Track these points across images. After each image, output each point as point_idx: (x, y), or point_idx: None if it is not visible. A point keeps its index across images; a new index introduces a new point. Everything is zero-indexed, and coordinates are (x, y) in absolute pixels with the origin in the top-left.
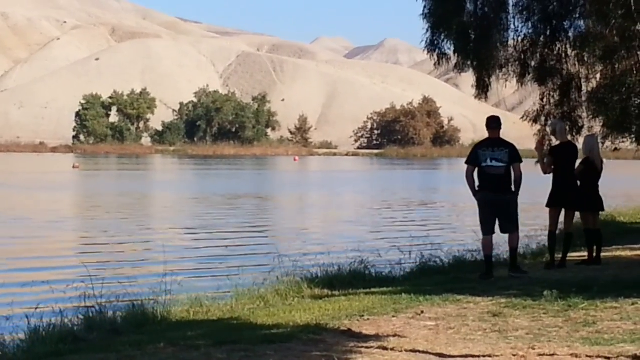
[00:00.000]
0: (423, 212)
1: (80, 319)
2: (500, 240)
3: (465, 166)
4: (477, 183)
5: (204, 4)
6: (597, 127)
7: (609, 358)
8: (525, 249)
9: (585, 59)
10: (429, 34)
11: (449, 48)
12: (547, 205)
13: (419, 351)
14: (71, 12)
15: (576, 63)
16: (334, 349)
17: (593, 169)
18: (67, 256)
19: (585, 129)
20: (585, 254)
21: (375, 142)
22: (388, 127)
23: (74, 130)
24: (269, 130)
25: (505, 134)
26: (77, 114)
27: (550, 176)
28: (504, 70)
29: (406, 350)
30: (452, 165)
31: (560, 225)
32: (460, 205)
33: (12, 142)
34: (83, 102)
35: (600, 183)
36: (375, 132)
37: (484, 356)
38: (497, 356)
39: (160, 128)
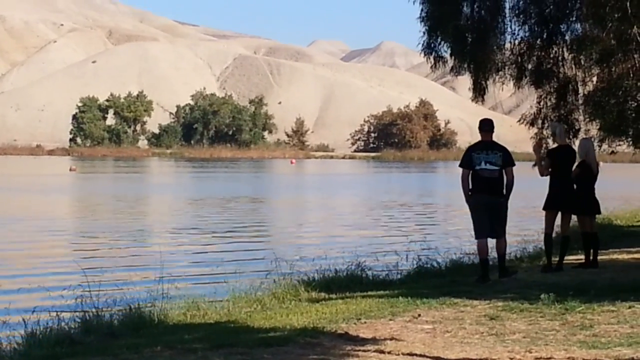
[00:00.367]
0: (420, 215)
1: (77, 323)
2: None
3: (460, 170)
4: (470, 186)
5: (201, 7)
6: (594, 130)
7: None
8: (522, 252)
9: (582, 62)
10: (425, 37)
11: (445, 51)
12: (544, 208)
13: (416, 354)
14: (68, 15)
15: (573, 66)
16: (331, 352)
17: (589, 172)
18: (64, 260)
19: (582, 132)
20: (582, 257)
21: (372, 145)
22: (385, 130)
23: (70, 133)
24: (265, 133)
25: (502, 137)
26: (74, 117)
27: (546, 179)
28: (500, 73)
29: (403, 354)
30: (449, 168)
31: (557, 228)
32: (456, 208)
33: (8, 145)
34: (80, 104)
35: (596, 186)
36: (372, 135)
37: (481, 359)
38: (494, 359)
39: (157, 131)
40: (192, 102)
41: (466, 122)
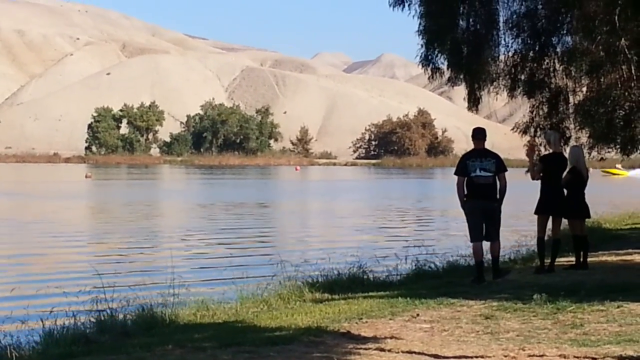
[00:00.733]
0: (418, 219)
1: (92, 322)
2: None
3: (455, 177)
4: (465, 192)
5: (210, 21)
6: (584, 137)
7: (595, 359)
8: (516, 254)
9: (573, 73)
10: (423, 49)
11: (442, 63)
12: (536, 213)
13: (414, 352)
14: (84, 29)
15: (564, 77)
16: (333, 350)
17: (579, 178)
18: (80, 262)
19: (573, 139)
20: (573, 259)
21: (372, 152)
22: (385, 138)
23: (86, 142)
24: (271, 141)
25: (496, 144)
26: (89, 126)
27: (538, 184)
28: (495, 83)
29: (402, 352)
30: (446, 174)
31: (549, 232)
32: (453, 213)
33: (27, 153)
34: (95, 114)
35: (586, 191)
36: (373, 142)
37: (476, 357)
38: (489, 357)
39: (168, 139)
40: (201, 112)
41: (462, 131)
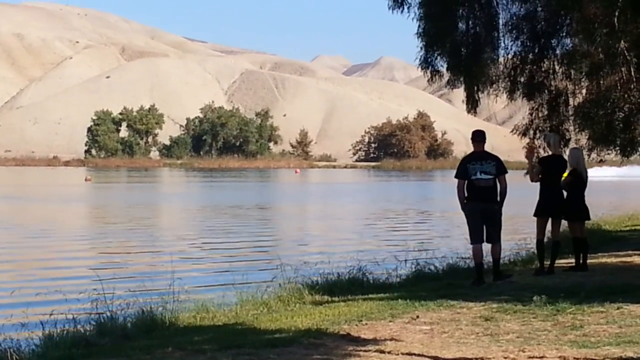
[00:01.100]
0: (418, 221)
1: (92, 325)
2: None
3: (456, 180)
4: (466, 194)
5: (210, 24)
6: (584, 139)
7: None
8: (515, 256)
9: (572, 75)
10: (423, 52)
11: (442, 65)
12: (535, 215)
13: (414, 354)
14: (83, 32)
15: (563, 79)
16: (333, 352)
17: (579, 180)
18: (80, 265)
19: (572, 141)
20: (573, 261)
21: (372, 154)
22: (384, 141)
23: (85, 145)
24: (271, 144)
25: (496, 147)
26: (89, 130)
27: (537, 187)
28: (494, 86)
29: (402, 354)
30: (446, 176)
31: (548, 234)
32: (453, 215)
33: (27, 157)
34: (94, 118)
35: (585, 193)
36: (373, 145)
37: (476, 359)
38: (489, 359)
39: (168, 142)
40: (201, 115)
41: (462, 133)
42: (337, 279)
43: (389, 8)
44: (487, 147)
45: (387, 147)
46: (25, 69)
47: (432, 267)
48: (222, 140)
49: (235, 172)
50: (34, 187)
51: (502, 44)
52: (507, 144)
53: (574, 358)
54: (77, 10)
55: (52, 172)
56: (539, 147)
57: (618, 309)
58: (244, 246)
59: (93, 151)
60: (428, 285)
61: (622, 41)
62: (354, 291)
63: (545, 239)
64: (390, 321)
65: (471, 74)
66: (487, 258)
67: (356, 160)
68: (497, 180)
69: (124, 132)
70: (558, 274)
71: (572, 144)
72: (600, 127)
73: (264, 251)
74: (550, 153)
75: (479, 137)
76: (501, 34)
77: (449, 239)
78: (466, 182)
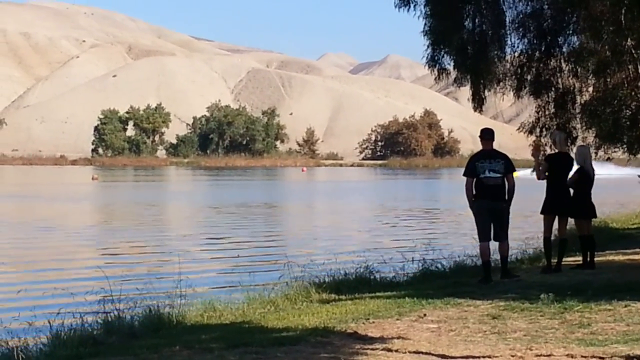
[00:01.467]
0: (425, 219)
1: (99, 324)
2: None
3: (464, 178)
4: (474, 192)
5: (216, 22)
6: (591, 137)
7: (603, 358)
8: (523, 254)
9: (579, 73)
10: (429, 50)
11: (448, 63)
12: (542, 213)
13: (422, 352)
14: (90, 31)
15: (570, 77)
16: (341, 350)
17: (587, 177)
18: (87, 264)
19: (579, 139)
20: (580, 258)
21: (379, 153)
22: (391, 139)
23: (92, 144)
24: (278, 143)
25: (503, 144)
26: (96, 128)
27: (544, 184)
28: (501, 84)
29: (410, 352)
30: (452, 174)
31: (555, 232)
32: (459, 213)
33: (34, 156)
34: (101, 116)
35: (592, 191)
36: (379, 143)
37: (483, 357)
38: (496, 357)
39: (174, 141)
40: (207, 114)
41: (468, 131)
42: (344, 278)
43: (396, 6)
44: (494, 145)
45: (393, 145)
46: (32, 68)
47: (439, 265)
48: (229, 139)
49: (242, 171)
50: (41, 185)
51: (509, 42)
52: (513, 142)
53: (582, 356)
54: (83, 9)
55: (59, 171)
56: (546, 144)
57: (625, 306)
58: (251, 245)
59: (100, 150)
60: (435, 283)
61: (628, 39)
62: (361, 289)
63: (553, 237)
64: (397, 319)
65: (478, 72)
66: (495, 256)
67: (363, 159)
68: (505, 178)
69: (130, 131)
70: (565, 271)
71: (579, 142)
72: (607, 125)
73: (271, 250)
74: (556, 151)
75: (487, 135)
76: (508, 32)
77: (456, 237)
78: (475, 180)
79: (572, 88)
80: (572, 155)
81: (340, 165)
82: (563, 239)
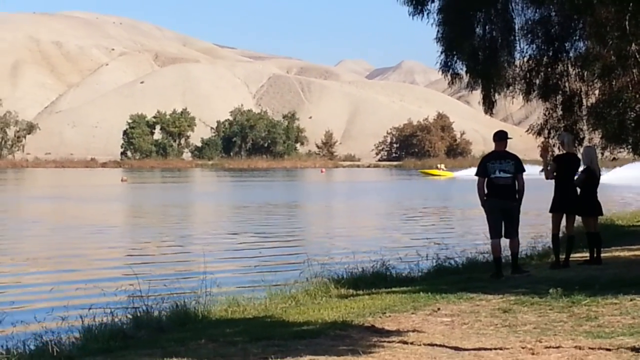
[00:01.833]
0: (438, 217)
1: (129, 318)
2: (508, 243)
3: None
4: (485, 192)
5: (239, 31)
6: (597, 138)
7: (609, 350)
8: (532, 250)
9: (585, 76)
10: (442, 56)
11: (461, 68)
12: (550, 211)
13: (436, 345)
14: (118, 40)
15: (577, 80)
16: (359, 343)
17: (593, 177)
18: (117, 262)
19: (586, 140)
20: (587, 254)
21: (394, 154)
22: (406, 141)
23: (121, 147)
24: (298, 145)
25: (513, 145)
26: (125, 132)
27: (552, 184)
28: (511, 87)
29: (424, 344)
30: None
31: (563, 229)
32: (471, 211)
33: (66, 159)
34: (130, 121)
35: (598, 190)
36: (394, 145)
37: (495, 349)
38: (507, 349)
39: (199, 144)
40: (231, 118)
41: (480, 133)
42: (361, 274)
43: (410, 14)
44: (506, 147)
45: (408, 147)
46: (64, 76)
47: (452, 262)
48: (251, 142)
49: (263, 172)
50: (73, 187)
51: (518, 48)
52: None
53: (589, 348)
54: (112, 19)
55: (89, 173)
56: (554, 145)
57: (631, 300)
58: (272, 242)
59: (128, 153)
60: (448, 278)
61: (633, 44)
62: (377, 285)
63: (561, 234)
64: (412, 313)
65: (488, 77)
66: (505, 252)
67: (379, 160)
68: (515, 178)
69: (157, 135)
70: (573, 267)
71: (585, 143)
72: (612, 126)
73: (292, 247)
74: (564, 151)
75: (498, 137)
76: (517, 38)
77: (468, 234)
78: (486, 180)
79: (578, 91)
80: (579, 155)
81: (358, 166)
82: (571, 236)
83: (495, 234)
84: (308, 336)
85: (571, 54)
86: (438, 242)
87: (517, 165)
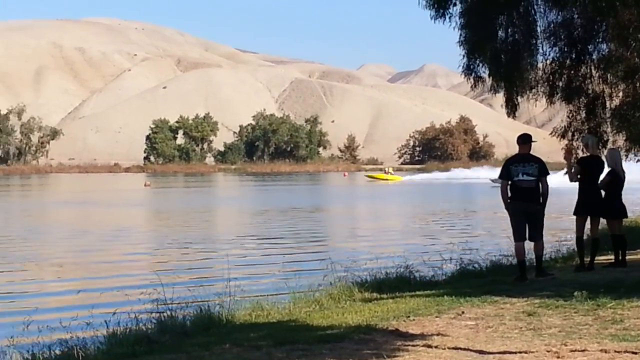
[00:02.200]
0: (462, 220)
1: (153, 323)
2: (532, 246)
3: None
4: (509, 194)
5: (261, 35)
6: (621, 141)
7: (635, 353)
8: (556, 253)
9: (609, 79)
10: (465, 59)
11: (484, 72)
12: (575, 213)
13: (460, 348)
14: (141, 45)
15: (600, 83)
16: (383, 347)
17: (617, 179)
18: (141, 266)
19: (610, 143)
20: (612, 257)
21: (417, 157)
22: (428, 144)
23: (144, 152)
24: (320, 149)
25: (537, 148)
26: (148, 137)
27: (576, 187)
28: (534, 90)
29: (449, 348)
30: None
31: (588, 232)
32: (495, 214)
33: (89, 164)
34: (152, 126)
35: (623, 192)
36: (417, 149)
37: (520, 352)
38: (532, 352)
39: (222, 148)
40: (253, 122)
41: (502, 136)
42: (385, 277)
43: (431, 18)
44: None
45: (431, 150)
46: (87, 81)
47: (476, 265)
48: (274, 146)
49: (286, 176)
50: (97, 192)
51: (541, 50)
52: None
53: (615, 351)
54: (134, 24)
55: (113, 178)
56: (578, 148)
57: None
58: (296, 245)
59: (152, 158)
60: (472, 282)
61: None
62: (401, 288)
63: (585, 237)
64: (436, 317)
65: (511, 80)
66: (529, 255)
67: (402, 163)
68: (539, 181)
69: (180, 140)
70: (598, 270)
71: (609, 145)
72: (636, 129)
73: (316, 251)
74: (588, 154)
75: (523, 139)
76: (539, 41)
77: (492, 237)
78: (510, 183)
79: (602, 93)
80: (603, 158)
81: (380, 170)
82: (595, 239)
83: (518, 236)
84: (332, 340)
85: (594, 56)
86: (462, 244)
87: (541, 169)
